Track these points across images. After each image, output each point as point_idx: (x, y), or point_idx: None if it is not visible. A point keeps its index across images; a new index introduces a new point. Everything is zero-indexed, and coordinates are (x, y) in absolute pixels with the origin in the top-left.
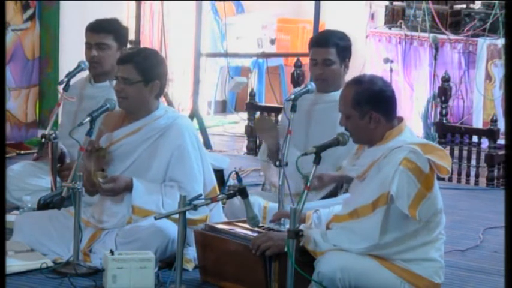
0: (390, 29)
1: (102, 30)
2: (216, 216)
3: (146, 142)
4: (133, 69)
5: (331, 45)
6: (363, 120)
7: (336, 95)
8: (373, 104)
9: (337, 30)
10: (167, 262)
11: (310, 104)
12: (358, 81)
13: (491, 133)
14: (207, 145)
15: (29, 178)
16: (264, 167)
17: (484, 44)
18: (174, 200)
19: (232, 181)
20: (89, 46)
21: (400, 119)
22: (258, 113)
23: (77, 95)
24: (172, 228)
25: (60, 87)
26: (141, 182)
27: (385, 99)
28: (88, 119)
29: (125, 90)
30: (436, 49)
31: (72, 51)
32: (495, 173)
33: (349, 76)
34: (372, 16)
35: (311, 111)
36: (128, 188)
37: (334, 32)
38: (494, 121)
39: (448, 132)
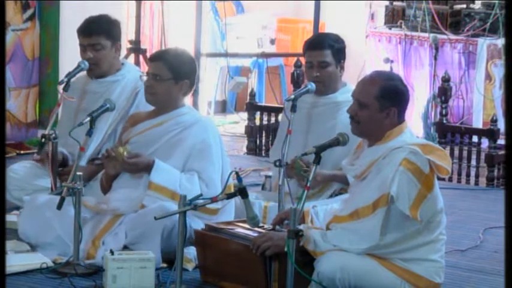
0: (390, 29)
1: (93, 32)
2: (228, 212)
3: (168, 135)
4: (163, 67)
5: (326, 47)
6: (381, 113)
7: (335, 97)
8: (396, 101)
9: (331, 33)
10: (167, 262)
11: (310, 107)
12: (385, 75)
13: (491, 133)
14: None
15: (30, 178)
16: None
17: (484, 44)
18: (192, 184)
19: (232, 181)
20: (83, 48)
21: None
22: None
23: (79, 91)
24: None
25: (60, 87)
26: (163, 163)
27: (406, 99)
28: (88, 119)
29: (154, 86)
30: (436, 49)
31: (72, 51)
32: (495, 173)
33: (348, 77)
34: (372, 16)
35: (311, 114)
36: (149, 167)
37: (328, 35)
38: (494, 121)
39: (448, 132)
